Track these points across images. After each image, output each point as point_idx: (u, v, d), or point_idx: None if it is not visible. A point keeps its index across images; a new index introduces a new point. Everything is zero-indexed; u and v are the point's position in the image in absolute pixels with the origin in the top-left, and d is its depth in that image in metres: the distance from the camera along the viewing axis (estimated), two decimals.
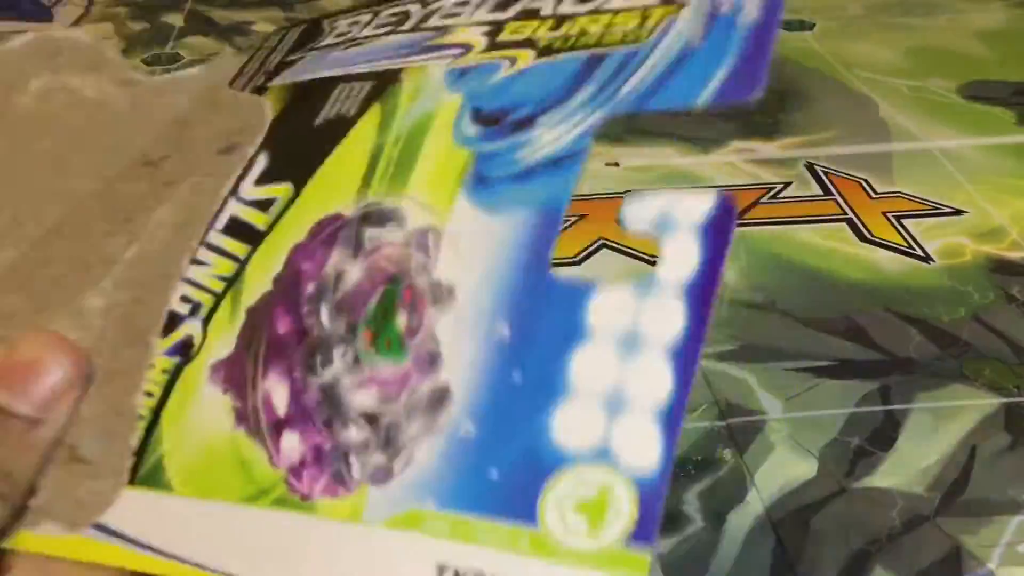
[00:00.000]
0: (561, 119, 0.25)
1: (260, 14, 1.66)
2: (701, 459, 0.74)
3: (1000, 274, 0.95)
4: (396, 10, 0.32)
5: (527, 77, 0.26)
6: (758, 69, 0.22)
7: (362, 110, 0.28)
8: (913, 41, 1.47)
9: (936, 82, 1.33)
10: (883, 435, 0.76)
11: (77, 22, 1.66)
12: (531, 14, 0.28)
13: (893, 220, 1.03)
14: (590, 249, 0.99)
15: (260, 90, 0.31)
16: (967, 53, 1.43)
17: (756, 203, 1.07)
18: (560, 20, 0.27)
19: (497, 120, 0.25)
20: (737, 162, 1.15)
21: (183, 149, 0.31)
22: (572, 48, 0.26)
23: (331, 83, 0.29)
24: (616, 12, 0.26)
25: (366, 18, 0.32)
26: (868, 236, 1.00)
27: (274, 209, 0.27)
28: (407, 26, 0.30)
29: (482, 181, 0.25)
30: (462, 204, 0.25)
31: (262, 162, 0.28)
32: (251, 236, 0.27)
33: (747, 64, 0.23)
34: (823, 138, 1.21)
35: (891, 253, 0.98)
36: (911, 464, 0.74)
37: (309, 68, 0.31)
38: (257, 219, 0.27)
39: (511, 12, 0.28)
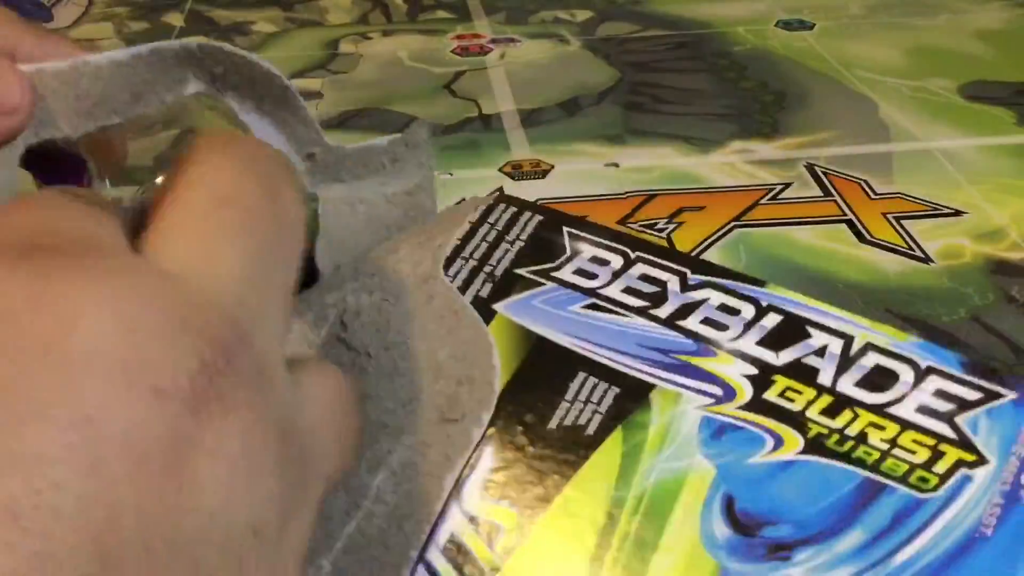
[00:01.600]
0: (823, 565, 0.22)
1: (260, 14, 1.66)
2: None
3: (1000, 275, 0.95)
4: (653, 275, 0.29)
5: (792, 479, 0.24)
6: None
7: (603, 432, 0.25)
8: (913, 41, 1.47)
9: (936, 82, 1.33)
10: None
11: (77, 22, 1.66)
12: (807, 374, 0.26)
13: (893, 221, 1.03)
14: None
15: (486, 309, 0.28)
16: (967, 53, 1.43)
17: (756, 204, 1.07)
18: (839, 402, 0.25)
19: (751, 530, 0.23)
20: (737, 162, 1.15)
21: (391, 364, 0.26)
22: (847, 457, 0.23)
23: (571, 365, 0.27)
24: (904, 426, 0.24)
25: (617, 262, 0.29)
26: (868, 237, 1.00)
27: (498, 547, 0.24)
28: (663, 312, 0.27)
29: None
30: None
31: (488, 456, 0.25)
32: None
33: None
34: (823, 138, 1.21)
35: (891, 254, 0.98)
36: None
37: (543, 315, 0.28)
38: (480, 552, 0.24)
39: (784, 358, 0.26)
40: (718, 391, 0.25)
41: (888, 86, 1.32)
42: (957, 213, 1.07)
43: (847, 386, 0.25)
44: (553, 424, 0.25)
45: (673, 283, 0.28)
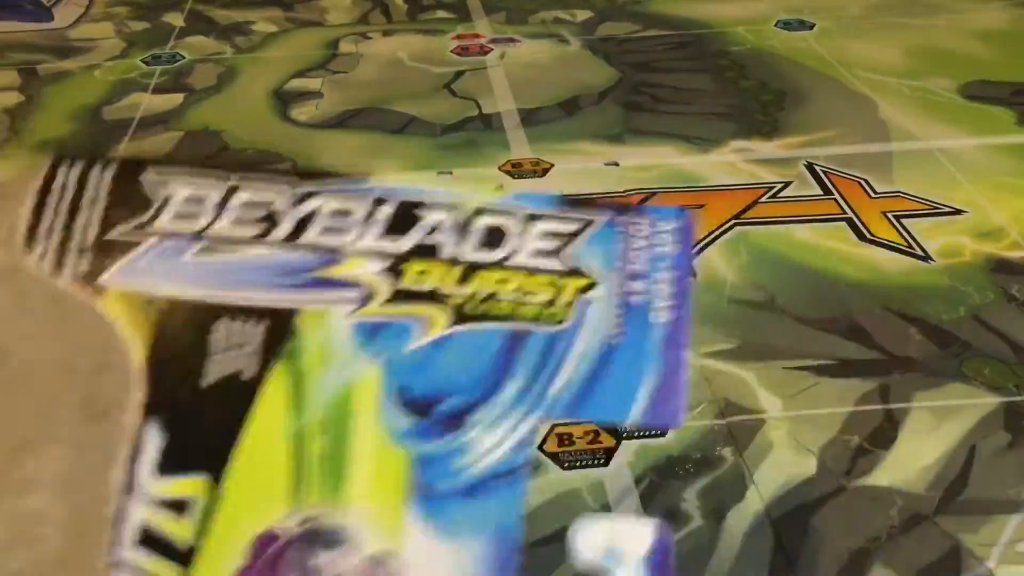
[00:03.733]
0: (494, 419, 0.25)
1: (260, 14, 1.66)
2: (700, 457, 0.74)
3: (1000, 274, 0.95)
4: (258, 199, 0.28)
5: (448, 352, 0.26)
6: (677, 398, 0.24)
7: (262, 371, 0.25)
8: (913, 41, 1.47)
9: (936, 82, 1.33)
10: (882, 434, 0.76)
11: (77, 22, 1.66)
12: (431, 253, 0.27)
13: (893, 220, 1.03)
14: None
15: (93, 284, 0.25)
16: (967, 53, 1.43)
17: (756, 203, 1.07)
18: (466, 270, 0.27)
19: (426, 410, 0.25)
20: (736, 162, 1.15)
21: (18, 381, 0.24)
22: (486, 316, 0.26)
23: (208, 315, 0.26)
24: (526, 273, 0.26)
25: (216, 195, 0.28)
26: (868, 235, 1.00)
27: (195, 514, 0.23)
28: (279, 234, 0.27)
29: (428, 495, 0.24)
30: (413, 524, 0.24)
31: (155, 437, 0.24)
32: (175, 555, 0.23)
33: (667, 388, 0.25)
34: (823, 138, 1.21)
35: (891, 252, 0.98)
36: (910, 463, 0.74)
37: (157, 268, 0.26)
38: (175, 529, 0.23)
39: (406, 245, 0.27)
40: (357, 295, 0.26)
41: (888, 86, 1.33)
42: (957, 212, 1.07)
43: (468, 252, 0.27)
44: (211, 379, 0.25)
45: (281, 201, 0.28)
